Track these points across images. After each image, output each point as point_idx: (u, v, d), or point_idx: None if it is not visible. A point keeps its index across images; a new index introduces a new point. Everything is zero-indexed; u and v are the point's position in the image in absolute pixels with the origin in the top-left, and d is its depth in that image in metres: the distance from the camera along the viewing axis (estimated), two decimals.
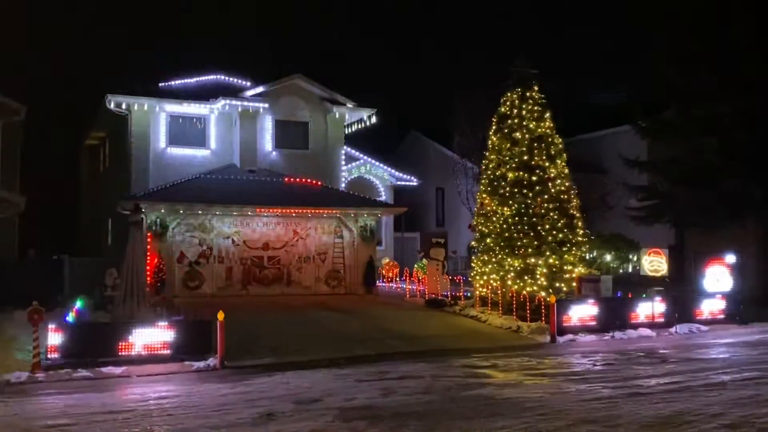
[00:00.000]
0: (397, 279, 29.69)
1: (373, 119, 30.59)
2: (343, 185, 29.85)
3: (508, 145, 21.83)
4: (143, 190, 25.18)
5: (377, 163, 33.66)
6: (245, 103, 27.86)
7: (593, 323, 19.06)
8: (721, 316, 21.32)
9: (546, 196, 21.22)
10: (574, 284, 21.11)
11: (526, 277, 20.82)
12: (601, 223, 28.69)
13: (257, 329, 18.00)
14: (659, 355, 15.64)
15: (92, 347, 14.33)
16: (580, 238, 21.44)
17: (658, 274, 22.92)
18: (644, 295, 20.57)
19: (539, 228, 20.95)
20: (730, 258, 22.66)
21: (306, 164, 28.88)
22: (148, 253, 23.34)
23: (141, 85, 27.90)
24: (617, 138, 31.60)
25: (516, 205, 21.21)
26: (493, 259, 21.56)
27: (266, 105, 28.20)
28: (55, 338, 14.10)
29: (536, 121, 21.78)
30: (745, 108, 24.65)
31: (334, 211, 26.17)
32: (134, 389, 12.58)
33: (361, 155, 33.26)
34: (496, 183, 21.83)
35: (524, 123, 21.69)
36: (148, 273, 22.19)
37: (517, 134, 21.68)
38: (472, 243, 23.39)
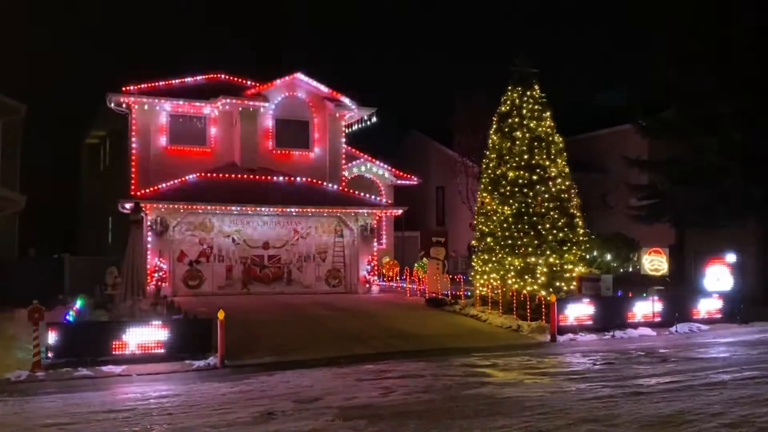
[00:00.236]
0: (398, 278, 29.69)
1: (374, 118, 30.59)
2: (343, 184, 29.83)
3: (509, 144, 21.84)
4: (144, 189, 25.18)
5: (378, 162, 33.65)
6: (245, 102, 27.85)
7: (590, 322, 19.01)
8: (718, 316, 21.31)
9: (546, 195, 21.23)
10: (575, 283, 21.12)
11: (526, 276, 20.83)
12: (602, 223, 28.68)
13: (257, 328, 18.00)
14: (659, 355, 15.62)
15: (91, 346, 14.32)
16: (580, 238, 21.45)
17: (659, 274, 22.92)
18: (645, 294, 20.58)
19: (539, 227, 20.96)
20: (731, 257, 22.66)
21: (306, 163, 28.89)
22: (149, 252, 23.41)
23: (141, 84, 27.86)
24: (618, 137, 31.61)
25: (516, 204, 21.22)
26: (494, 258, 21.57)
27: (266, 104, 28.19)
28: (51, 337, 14.11)
29: (537, 120, 21.79)
30: (745, 108, 24.66)
31: (334, 210, 26.19)
32: (134, 388, 12.58)
33: (362, 154, 33.25)
34: (496, 182, 21.83)
35: (525, 122, 21.70)
36: (149, 272, 22.26)
37: (518, 133, 21.69)
38: (473, 242, 23.40)
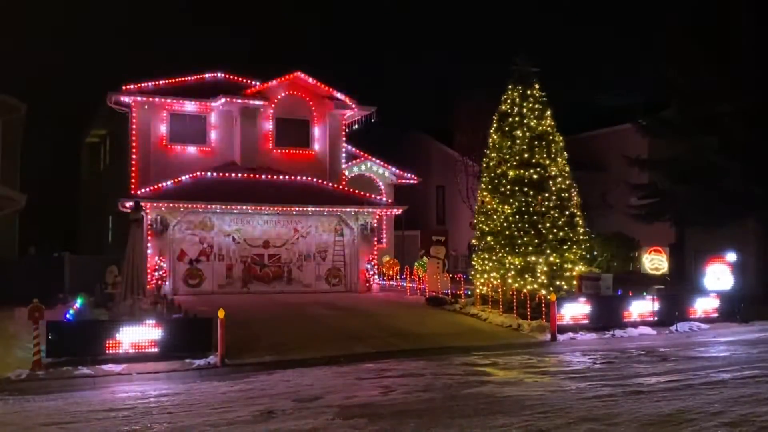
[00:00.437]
0: (398, 277, 29.69)
1: (374, 118, 30.58)
2: (343, 183, 29.83)
3: (509, 143, 21.85)
4: (144, 188, 25.17)
5: (378, 161, 33.65)
6: (246, 101, 27.84)
7: (590, 322, 19.01)
8: (718, 315, 21.27)
9: (546, 194, 21.23)
10: (575, 282, 21.12)
11: (526, 275, 20.84)
12: (602, 222, 28.69)
13: (258, 327, 18.00)
14: (659, 354, 15.62)
15: (91, 345, 14.31)
16: (580, 237, 21.46)
17: (659, 273, 22.95)
18: (645, 294, 20.58)
19: (540, 226, 20.97)
20: (731, 256, 22.65)
21: (306, 162, 28.88)
22: (149, 251, 23.41)
23: (141, 83, 27.86)
24: (618, 136, 31.62)
25: (517, 203, 21.22)
26: (494, 257, 21.58)
27: (267, 103, 28.19)
28: (51, 336, 14.08)
29: (537, 119, 21.79)
30: (745, 107, 24.64)
31: (334, 209, 26.18)
32: (134, 387, 12.59)
33: (362, 153, 33.26)
34: (496, 181, 21.84)
35: (525, 121, 21.70)
36: (149, 271, 22.26)
37: (518, 132, 21.69)
38: (473, 241, 23.40)
